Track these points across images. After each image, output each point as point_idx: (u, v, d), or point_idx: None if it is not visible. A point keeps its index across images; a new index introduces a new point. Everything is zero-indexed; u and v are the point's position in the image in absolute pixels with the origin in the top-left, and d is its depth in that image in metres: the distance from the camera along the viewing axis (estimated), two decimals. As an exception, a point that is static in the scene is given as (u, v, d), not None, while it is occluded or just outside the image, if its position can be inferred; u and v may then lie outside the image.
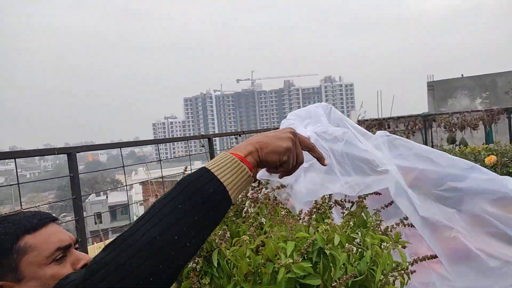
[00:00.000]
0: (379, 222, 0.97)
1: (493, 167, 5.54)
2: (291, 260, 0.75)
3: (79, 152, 2.16)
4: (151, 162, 2.83)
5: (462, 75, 18.88)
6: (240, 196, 0.99)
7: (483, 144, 6.92)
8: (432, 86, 19.08)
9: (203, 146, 3.35)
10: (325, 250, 0.77)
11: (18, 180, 1.86)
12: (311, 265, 0.76)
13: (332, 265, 0.78)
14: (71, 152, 2.11)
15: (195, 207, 0.71)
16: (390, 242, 0.87)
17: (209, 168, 0.77)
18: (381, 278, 0.81)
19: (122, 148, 2.56)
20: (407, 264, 0.87)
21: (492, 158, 5.40)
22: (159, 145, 2.92)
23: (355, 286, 0.81)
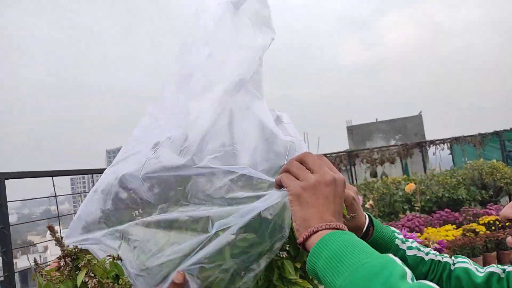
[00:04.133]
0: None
1: (412, 195, 6.07)
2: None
3: (8, 179, 1.98)
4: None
5: (376, 119, 20.74)
6: None
7: (401, 175, 7.57)
8: (352, 130, 20.62)
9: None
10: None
11: None
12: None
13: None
14: (-2, 178, 1.93)
15: None
16: None
17: None
18: None
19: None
20: None
21: (412, 186, 5.92)
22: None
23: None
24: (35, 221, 3.39)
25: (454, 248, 4.21)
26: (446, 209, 5.49)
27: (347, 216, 0.86)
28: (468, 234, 4.62)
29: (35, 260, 0.80)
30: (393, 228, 1.00)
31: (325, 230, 0.64)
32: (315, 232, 0.64)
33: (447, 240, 4.40)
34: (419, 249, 0.97)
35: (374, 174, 8.23)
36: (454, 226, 4.99)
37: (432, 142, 8.01)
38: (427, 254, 0.97)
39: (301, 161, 0.72)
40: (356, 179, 9.69)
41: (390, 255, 0.58)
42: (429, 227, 4.99)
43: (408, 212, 5.95)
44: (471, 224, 4.92)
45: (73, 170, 2.56)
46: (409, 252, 0.95)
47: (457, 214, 5.29)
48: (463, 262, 0.94)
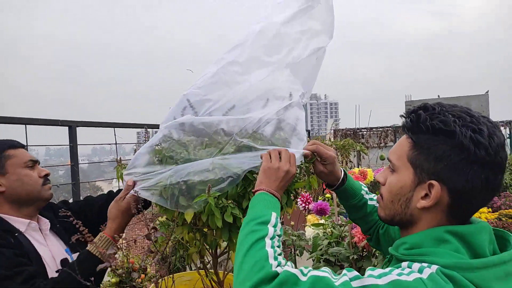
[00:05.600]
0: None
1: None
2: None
3: (79, 127, 2.50)
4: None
5: (438, 96, 19.73)
6: None
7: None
8: (410, 105, 19.87)
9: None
10: None
11: (27, 143, 2.15)
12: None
13: None
14: (71, 125, 2.46)
15: None
16: None
17: None
18: None
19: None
20: None
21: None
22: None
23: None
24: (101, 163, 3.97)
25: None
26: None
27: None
28: (504, 219, 4.57)
29: (120, 159, 1.34)
30: (362, 183, 1.36)
31: (264, 191, 1.07)
32: (260, 190, 1.07)
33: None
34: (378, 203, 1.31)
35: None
36: (489, 209, 4.94)
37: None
38: None
39: (280, 152, 1.17)
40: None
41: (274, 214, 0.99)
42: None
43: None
44: (510, 210, 4.84)
45: (134, 123, 3.09)
46: (370, 202, 1.30)
47: (495, 198, 5.22)
48: None
